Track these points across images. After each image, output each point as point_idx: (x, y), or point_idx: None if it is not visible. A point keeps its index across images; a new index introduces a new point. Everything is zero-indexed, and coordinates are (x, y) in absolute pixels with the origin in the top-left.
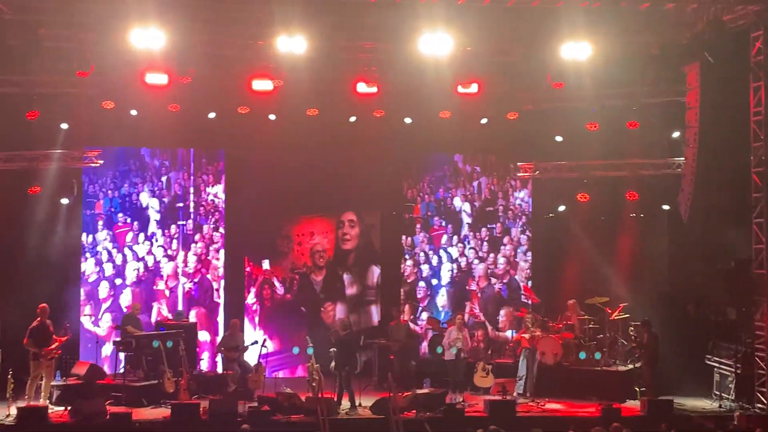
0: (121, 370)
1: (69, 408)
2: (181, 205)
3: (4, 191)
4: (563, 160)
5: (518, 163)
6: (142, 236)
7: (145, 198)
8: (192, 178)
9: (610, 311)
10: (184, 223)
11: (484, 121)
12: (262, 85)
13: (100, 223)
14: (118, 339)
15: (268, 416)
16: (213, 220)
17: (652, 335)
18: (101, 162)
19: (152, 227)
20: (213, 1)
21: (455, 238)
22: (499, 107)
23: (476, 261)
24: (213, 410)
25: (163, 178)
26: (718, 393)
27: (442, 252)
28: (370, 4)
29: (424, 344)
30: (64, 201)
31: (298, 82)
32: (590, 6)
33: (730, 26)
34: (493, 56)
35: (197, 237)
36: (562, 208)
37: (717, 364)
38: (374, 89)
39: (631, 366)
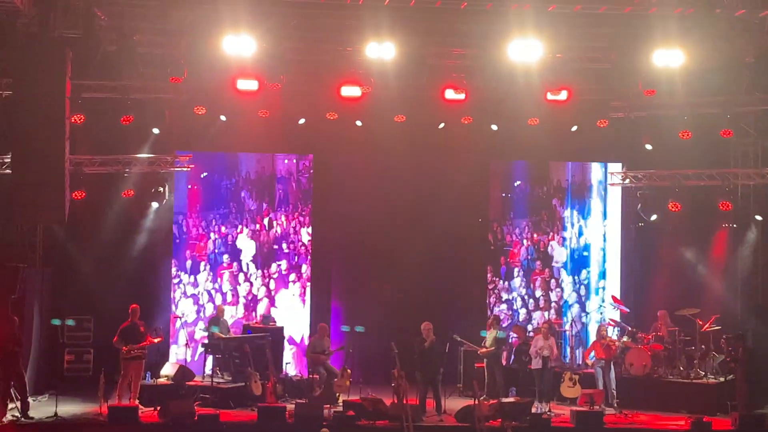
0: (209, 372)
1: (158, 408)
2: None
3: (100, 194)
4: (655, 168)
5: (609, 172)
6: (241, 276)
7: (242, 239)
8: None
9: (701, 323)
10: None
11: (574, 128)
12: (350, 91)
13: (202, 264)
14: (206, 341)
15: (353, 421)
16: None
17: (747, 348)
18: (192, 166)
19: (251, 268)
20: (303, 8)
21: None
22: (590, 114)
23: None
24: (298, 414)
25: (265, 220)
26: None
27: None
28: (460, 11)
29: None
30: (155, 205)
31: (386, 89)
32: (684, 12)
33: None
34: (584, 63)
35: (293, 277)
36: (654, 217)
37: None
38: (462, 96)
39: (722, 379)
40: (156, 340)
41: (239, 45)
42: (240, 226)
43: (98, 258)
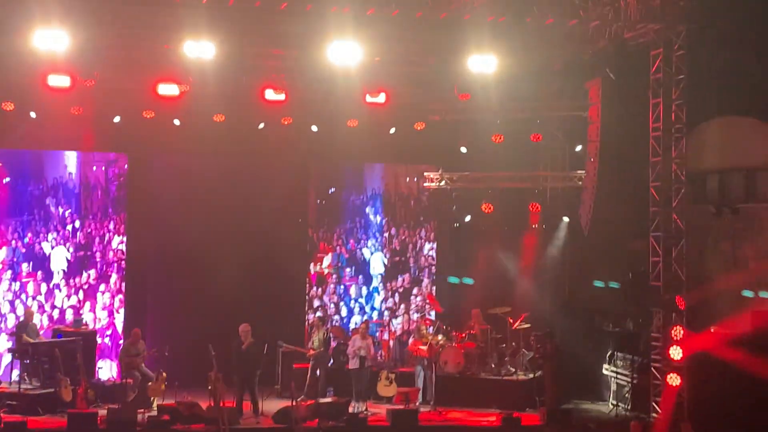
0: (17, 378)
1: None
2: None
3: None
4: (469, 171)
5: (424, 173)
6: (44, 287)
7: (48, 247)
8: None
9: (512, 321)
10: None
11: (392, 130)
12: (168, 89)
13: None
14: (13, 347)
15: (168, 425)
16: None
17: (554, 345)
18: None
19: (57, 278)
20: (119, 3)
21: (364, 288)
22: (407, 117)
23: (386, 312)
24: (111, 419)
25: (68, 227)
26: (615, 402)
27: (352, 303)
28: (279, 11)
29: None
30: None
31: (205, 87)
32: (496, 20)
33: (631, 44)
34: (402, 66)
35: (103, 287)
36: (467, 218)
37: (614, 374)
38: (282, 96)
39: (531, 375)
40: None
41: (51, 39)
42: (47, 234)
43: None
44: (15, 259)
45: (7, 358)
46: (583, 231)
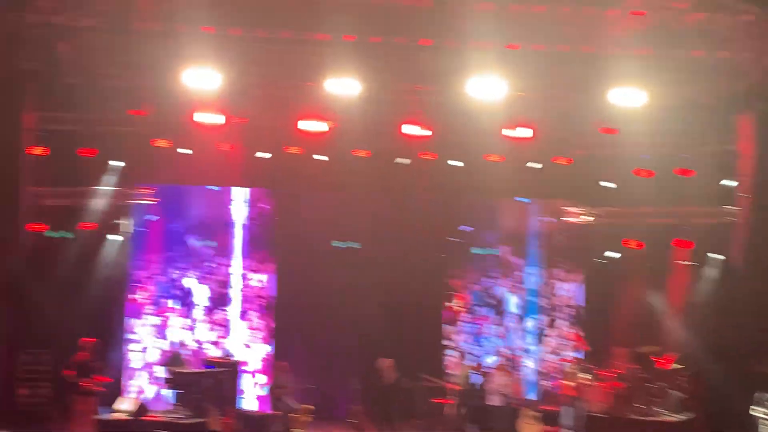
0: (167, 407)
1: None
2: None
3: (59, 227)
4: (615, 206)
5: (566, 208)
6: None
7: (190, 283)
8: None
9: (660, 361)
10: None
11: (536, 165)
12: (312, 125)
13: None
14: (165, 376)
15: None
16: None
17: (705, 386)
18: (155, 200)
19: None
20: (266, 42)
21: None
22: (551, 152)
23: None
24: None
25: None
26: None
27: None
28: (421, 48)
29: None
30: (114, 237)
31: (348, 124)
32: (644, 53)
33: None
34: (546, 101)
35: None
36: (614, 254)
37: (763, 415)
38: (425, 132)
39: (681, 417)
40: (105, 379)
41: (201, 78)
42: (188, 270)
43: (56, 291)
44: (160, 294)
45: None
46: (734, 269)
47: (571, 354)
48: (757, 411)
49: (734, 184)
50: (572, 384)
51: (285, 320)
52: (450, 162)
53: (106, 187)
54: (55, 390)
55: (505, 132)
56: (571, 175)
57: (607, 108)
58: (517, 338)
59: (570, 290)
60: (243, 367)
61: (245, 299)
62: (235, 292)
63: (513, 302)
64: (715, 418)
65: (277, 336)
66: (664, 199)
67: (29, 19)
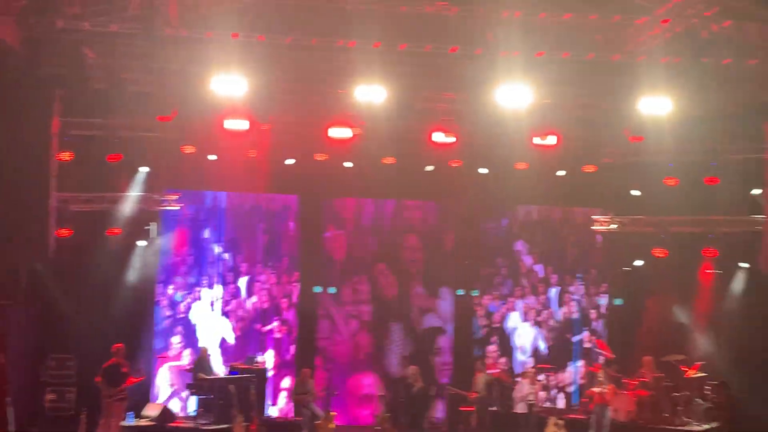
0: (194, 413)
1: None
2: None
3: (85, 232)
4: (641, 215)
5: (593, 216)
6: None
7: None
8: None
9: (686, 369)
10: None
11: (561, 173)
12: (340, 132)
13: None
14: (191, 382)
15: None
16: None
17: (731, 396)
18: (180, 205)
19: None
20: (294, 49)
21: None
22: (578, 160)
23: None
24: None
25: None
26: None
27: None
28: (449, 55)
29: None
30: (142, 243)
31: (375, 131)
32: (671, 61)
33: None
34: (572, 109)
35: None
36: (639, 262)
37: None
38: (452, 139)
39: (707, 426)
40: (138, 380)
41: (228, 85)
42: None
43: (83, 296)
44: (187, 300)
45: (180, 394)
46: (762, 278)
47: (597, 362)
48: None
49: (761, 192)
50: (598, 392)
51: (308, 326)
52: (480, 169)
53: (134, 192)
54: (82, 395)
55: (534, 140)
56: (597, 183)
57: (635, 116)
58: (544, 344)
59: (597, 299)
60: (268, 374)
61: (270, 306)
62: (260, 299)
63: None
64: (739, 427)
65: (301, 342)
66: (691, 208)
67: (58, 25)
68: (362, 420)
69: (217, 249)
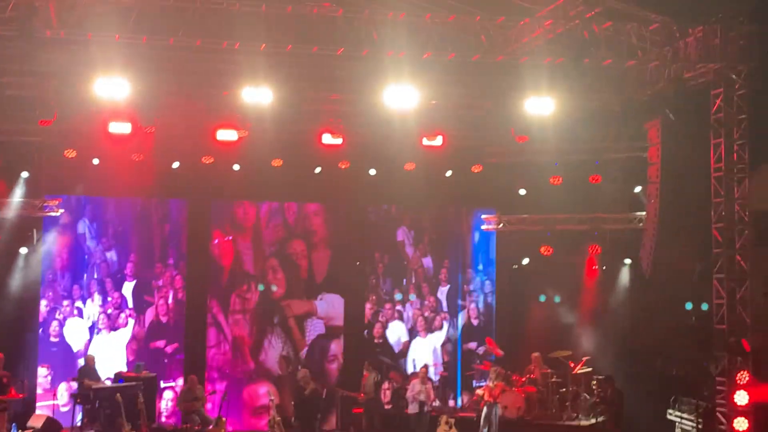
0: (78, 423)
1: None
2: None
3: None
4: (527, 213)
5: (482, 216)
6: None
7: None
8: None
9: (573, 365)
10: None
11: (448, 173)
12: (227, 135)
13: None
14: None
15: None
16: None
17: (616, 390)
18: (62, 211)
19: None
20: (178, 51)
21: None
22: (464, 160)
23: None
24: None
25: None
26: None
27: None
28: (336, 56)
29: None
30: (23, 250)
31: (263, 133)
32: (553, 62)
33: (691, 84)
34: (458, 110)
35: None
36: (526, 260)
37: (678, 419)
38: (339, 140)
39: (593, 420)
40: (20, 396)
41: (111, 87)
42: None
43: None
44: (71, 307)
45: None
46: (644, 273)
47: (485, 359)
48: (673, 414)
49: (642, 190)
50: (488, 390)
51: (194, 330)
52: (369, 171)
53: (15, 198)
54: None
55: (422, 141)
56: (483, 182)
57: (520, 116)
58: (434, 344)
59: (483, 296)
60: (155, 381)
61: (157, 311)
62: (144, 305)
63: (428, 308)
64: (625, 421)
65: (186, 348)
66: (576, 206)
67: None
68: (256, 427)
69: (100, 256)
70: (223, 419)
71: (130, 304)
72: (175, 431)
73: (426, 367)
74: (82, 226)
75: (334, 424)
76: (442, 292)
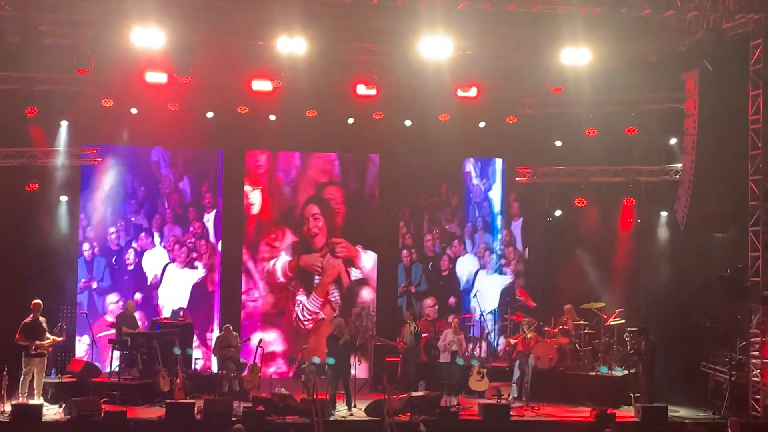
0: (116, 369)
1: (63, 405)
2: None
3: (3, 188)
4: (561, 165)
5: (516, 167)
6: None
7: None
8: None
9: (605, 316)
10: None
11: (482, 124)
12: (261, 85)
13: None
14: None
15: (262, 416)
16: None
17: (650, 342)
18: (99, 159)
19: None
20: (214, 0)
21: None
22: (499, 111)
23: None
24: (207, 410)
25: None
26: (712, 400)
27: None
28: (371, 6)
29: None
30: (63, 198)
31: (297, 83)
32: (590, 11)
33: (730, 34)
34: (493, 60)
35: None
36: (559, 212)
37: (712, 371)
38: (374, 91)
39: (626, 372)
40: (59, 339)
41: (148, 37)
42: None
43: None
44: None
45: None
46: (679, 226)
47: (518, 310)
48: (706, 367)
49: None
50: (520, 340)
51: (229, 279)
52: (404, 122)
53: (53, 147)
54: (2, 354)
55: (456, 92)
56: (518, 134)
57: (555, 67)
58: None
59: (518, 247)
60: (191, 328)
61: (193, 260)
62: (182, 253)
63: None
64: (659, 373)
65: (222, 296)
66: (611, 158)
67: None
68: (289, 374)
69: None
70: (258, 366)
71: (212, 236)
72: (210, 377)
73: (458, 317)
74: (156, 155)
75: (366, 373)
76: (516, 225)
